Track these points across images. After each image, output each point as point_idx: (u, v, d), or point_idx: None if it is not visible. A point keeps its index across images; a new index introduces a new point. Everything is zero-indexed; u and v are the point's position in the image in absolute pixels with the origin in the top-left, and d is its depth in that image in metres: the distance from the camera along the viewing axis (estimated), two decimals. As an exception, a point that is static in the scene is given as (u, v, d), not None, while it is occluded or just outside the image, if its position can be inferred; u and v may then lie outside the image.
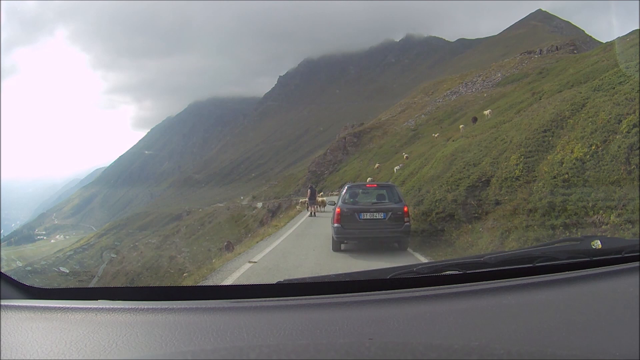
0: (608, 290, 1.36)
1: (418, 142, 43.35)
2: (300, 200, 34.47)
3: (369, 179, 30.51)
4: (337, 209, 9.74)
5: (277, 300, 1.39)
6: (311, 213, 20.97)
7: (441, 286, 1.43)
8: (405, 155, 34.38)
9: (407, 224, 9.44)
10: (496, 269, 1.60)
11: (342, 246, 9.88)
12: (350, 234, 9.57)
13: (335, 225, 9.51)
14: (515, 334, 1.07)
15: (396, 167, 28.74)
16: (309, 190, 22.40)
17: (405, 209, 9.60)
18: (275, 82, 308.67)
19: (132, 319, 1.23)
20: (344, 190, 10.43)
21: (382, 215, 9.47)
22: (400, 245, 9.77)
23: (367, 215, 9.48)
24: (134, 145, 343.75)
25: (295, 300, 1.38)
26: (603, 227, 6.66)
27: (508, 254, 1.83)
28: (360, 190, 10.79)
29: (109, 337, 1.08)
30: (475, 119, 31.33)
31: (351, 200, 10.07)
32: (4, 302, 1.35)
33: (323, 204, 22.51)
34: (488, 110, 30.25)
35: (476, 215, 9.91)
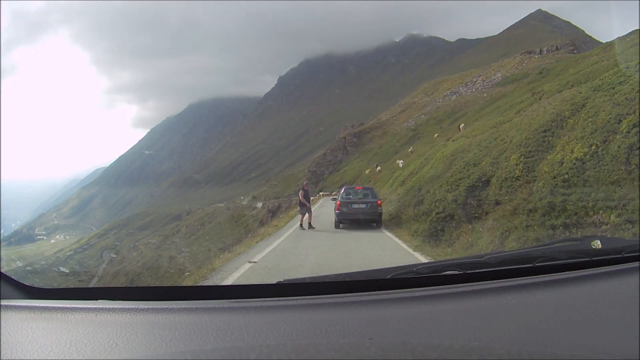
0: (608, 290, 1.36)
1: (418, 142, 43.36)
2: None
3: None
4: (338, 202, 14.34)
5: (277, 300, 1.38)
6: (301, 224, 14.25)
7: (441, 286, 1.43)
8: (411, 149, 34.96)
9: (380, 211, 13.98)
10: (496, 269, 1.59)
11: (341, 225, 14.09)
12: (346, 216, 13.98)
13: (337, 211, 14.06)
14: (515, 334, 1.07)
15: (399, 161, 32.48)
16: (301, 191, 14.65)
17: (379, 202, 14.22)
18: (276, 82, 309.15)
19: (132, 319, 1.23)
20: (342, 190, 15.49)
21: (365, 205, 14.00)
22: (376, 224, 13.89)
23: (356, 205, 14.07)
24: (134, 145, 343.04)
25: (295, 300, 1.38)
26: (603, 227, 6.66)
27: (508, 254, 1.83)
28: (352, 190, 15.41)
29: (109, 337, 1.08)
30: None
31: (346, 196, 14.73)
32: (4, 302, 1.35)
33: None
34: (462, 125, 31.59)
35: (476, 215, 9.91)
